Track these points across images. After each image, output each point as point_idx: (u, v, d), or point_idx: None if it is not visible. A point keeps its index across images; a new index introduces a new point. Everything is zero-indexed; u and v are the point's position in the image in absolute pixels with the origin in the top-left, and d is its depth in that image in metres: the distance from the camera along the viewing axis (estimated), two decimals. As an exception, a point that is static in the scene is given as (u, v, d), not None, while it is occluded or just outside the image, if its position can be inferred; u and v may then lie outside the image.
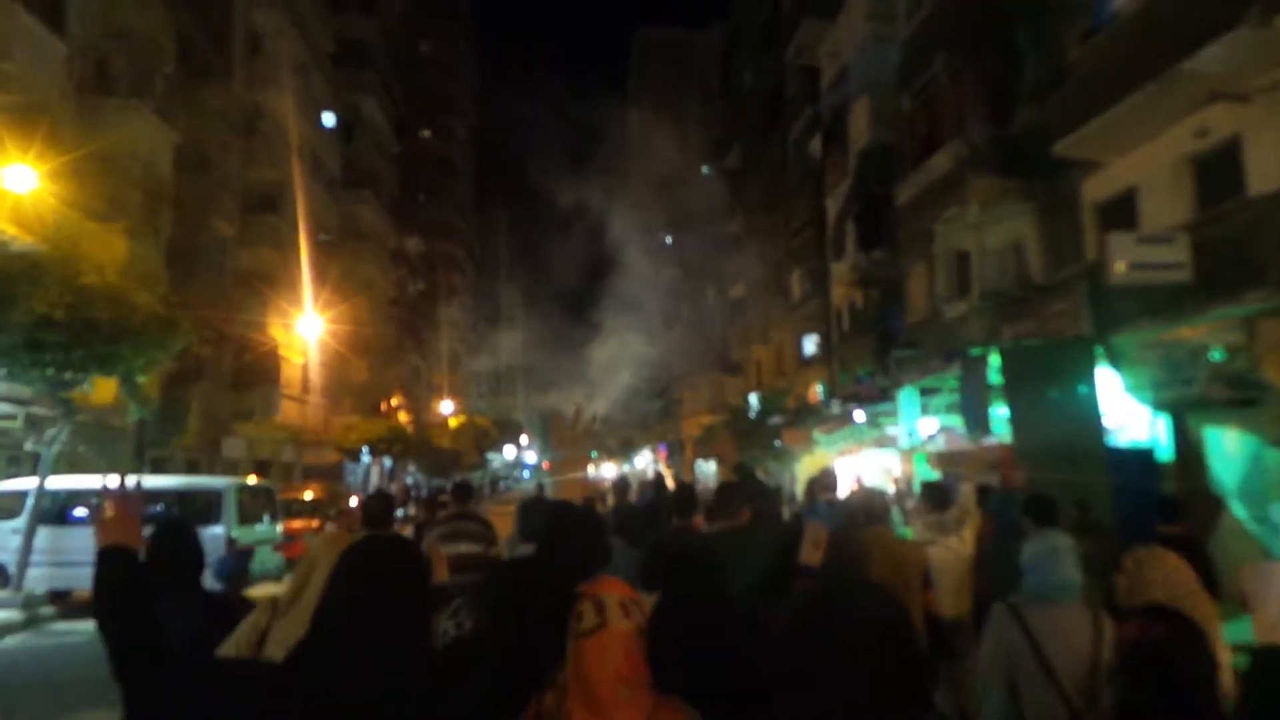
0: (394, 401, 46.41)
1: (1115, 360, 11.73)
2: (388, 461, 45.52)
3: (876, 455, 15.97)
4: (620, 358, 73.38)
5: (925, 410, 13.91)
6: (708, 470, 38.37)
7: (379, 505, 4.92)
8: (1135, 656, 2.03)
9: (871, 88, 18.89)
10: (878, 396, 17.81)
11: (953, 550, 5.41)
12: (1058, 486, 10.32)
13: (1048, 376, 11.25)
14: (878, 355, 18.77)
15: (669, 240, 64.03)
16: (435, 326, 62.23)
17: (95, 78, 17.72)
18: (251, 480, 13.55)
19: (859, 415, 15.80)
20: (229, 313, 24.33)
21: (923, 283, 17.07)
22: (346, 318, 31.69)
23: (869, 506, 5.09)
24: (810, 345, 27.84)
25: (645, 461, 58.05)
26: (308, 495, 18.70)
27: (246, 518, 11.12)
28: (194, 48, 22.62)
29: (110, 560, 1.76)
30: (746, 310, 35.52)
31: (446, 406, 58.55)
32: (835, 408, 20.39)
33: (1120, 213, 12.46)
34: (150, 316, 11.07)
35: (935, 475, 12.50)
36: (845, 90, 20.76)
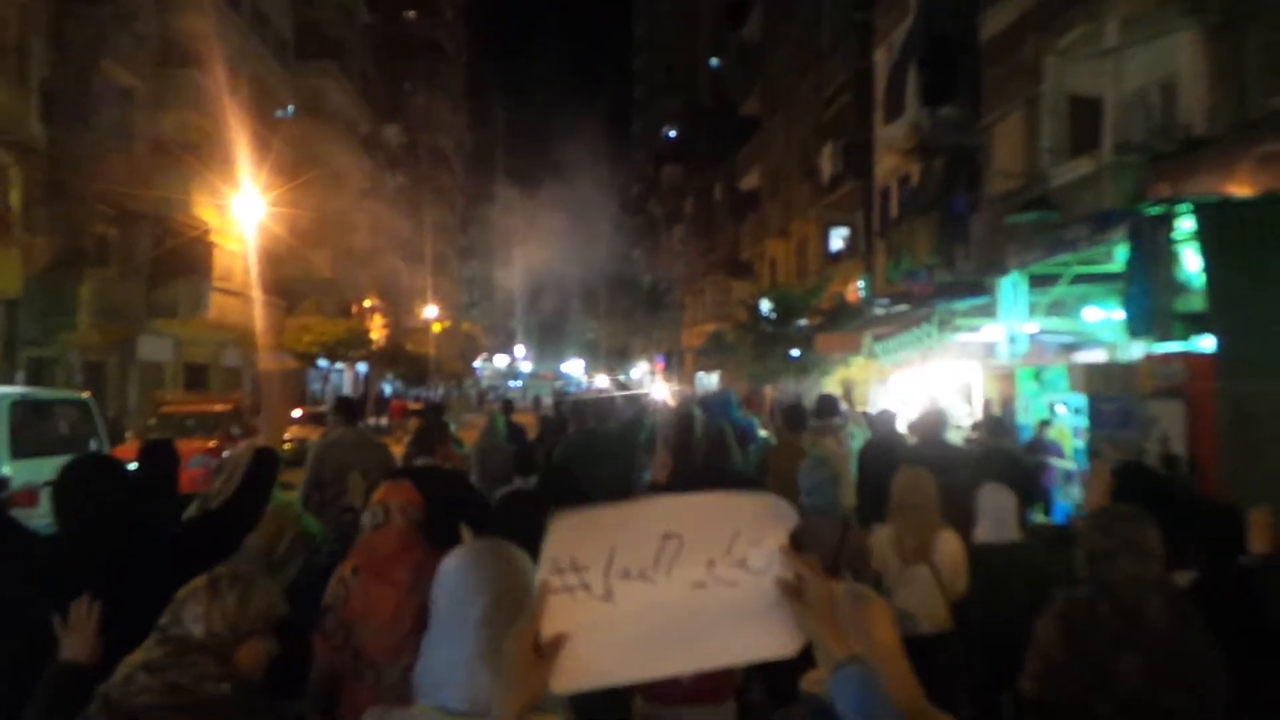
0: (367, 303, 42.21)
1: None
2: (361, 368, 41.72)
3: (952, 367, 12.04)
4: (616, 261, 68.99)
5: (1034, 310, 9.93)
6: (710, 383, 34.86)
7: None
8: None
9: (950, -117, 14.22)
10: (937, 293, 13.81)
11: (828, 450, 5.87)
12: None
13: (1270, 250, 7.17)
14: (941, 241, 14.67)
15: (672, 134, 59.02)
16: (419, 226, 57.47)
17: None
18: (41, 391, 9.51)
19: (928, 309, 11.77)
20: (138, 186, 19.99)
21: (1016, 139, 12.80)
22: (304, 206, 27.26)
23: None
24: (838, 240, 23.68)
25: (641, 374, 54.35)
26: (219, 407, 14.79)
27: (28, 446, 7.18)
28: None
29: (68, 677, 2.10)
30: (761, 203, 31.13)
31: (430, 311, 54.34)
32: (880, 309, 16.40)
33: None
34: None
35: (1070, 396, 8.60)
36: (909, -102, 16.02)
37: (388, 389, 45.61)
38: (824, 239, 23.70)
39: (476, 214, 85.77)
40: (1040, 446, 7.86)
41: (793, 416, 6.53)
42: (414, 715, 1.50)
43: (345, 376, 40.10)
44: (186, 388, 22.73)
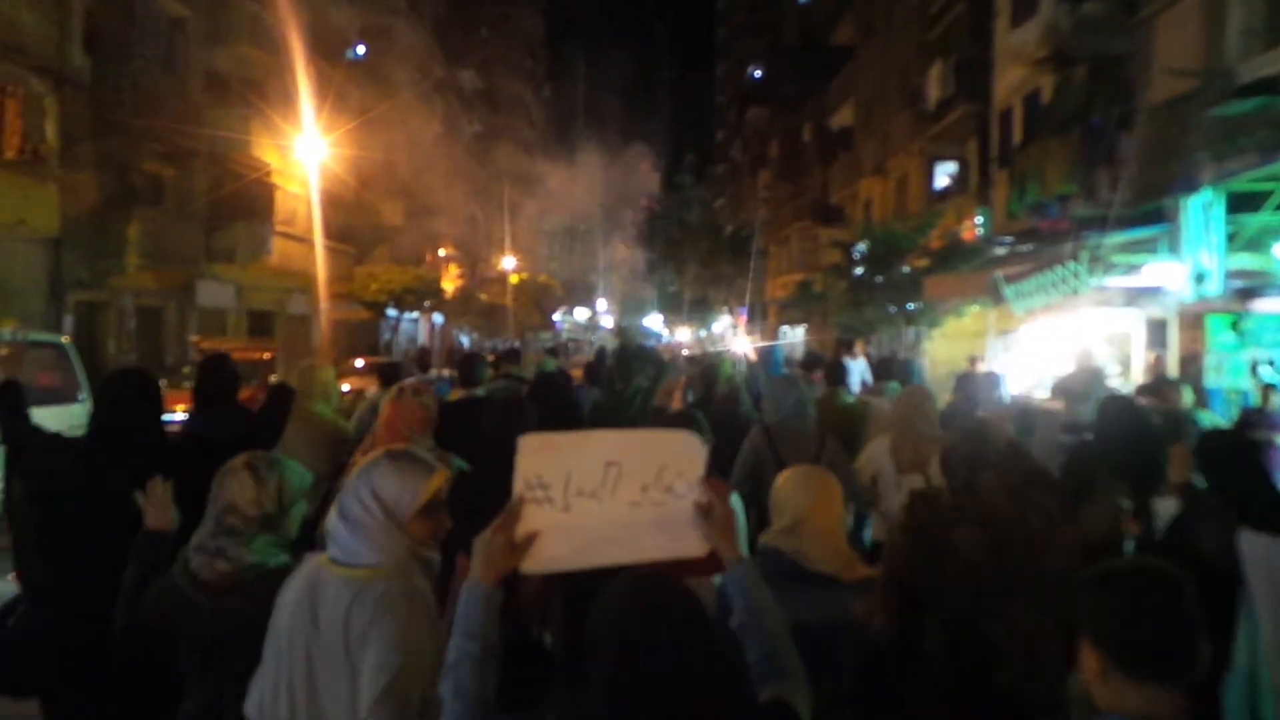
0: (442, 253, 41.21)
1: None
2: (437, 319, 40.90)
3: (1103, 315, 9.88)
4: (699, 210, 66.70)
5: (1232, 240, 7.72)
6: (794, 337, 32.87)
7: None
8: None
9: None
10: (1076, 228, 11.56)
11: (879, 407, 5.89)
12: None
13: None
14: (1080, 165, 12.32)
15: (756, 74, 56.07)
16: (498, 175, 56.18)
17: None
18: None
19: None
20: (193, 124, 19.02)
21: (1189, 31, 10.36)
22: (374, 149, 26.08)
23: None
24: (944, 176, 21.21)
25: (724, 328, 52.32)
26: (259, 354, 13.76)
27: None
28: None
29: (152, 543, 2.43)
30: (854, 141, 28.58)
31: (508, 262, 53.26)
32: (1001, 247, 14.16)
33: None
34: None
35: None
36: None
37: (465, 340, 44.83)
38: (928, 175, 21.26)
39: (558, 164, 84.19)
40: (1265, 420, 5.75)
41: (831, 371, 6.50)
42: (315, 561, 2.03)
43: (420, 327, 39.36)
44: (250, 335, 21.98)
